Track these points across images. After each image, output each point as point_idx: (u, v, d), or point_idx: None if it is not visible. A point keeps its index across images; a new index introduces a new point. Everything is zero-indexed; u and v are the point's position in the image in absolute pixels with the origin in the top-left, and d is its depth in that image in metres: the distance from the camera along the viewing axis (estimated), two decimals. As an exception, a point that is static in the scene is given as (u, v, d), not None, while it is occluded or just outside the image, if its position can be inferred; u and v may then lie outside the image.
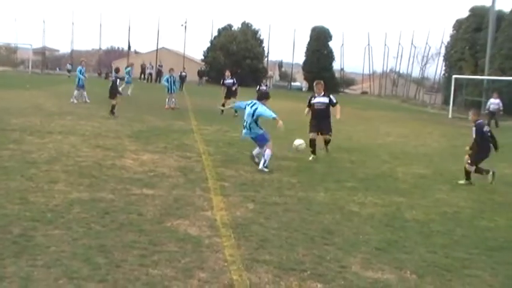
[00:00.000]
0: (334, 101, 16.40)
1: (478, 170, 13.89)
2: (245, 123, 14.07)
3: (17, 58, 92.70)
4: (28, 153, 13.39)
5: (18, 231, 7.54)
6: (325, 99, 16.26)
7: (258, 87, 34.95)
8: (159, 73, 67.84)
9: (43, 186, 10.18)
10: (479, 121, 14.18)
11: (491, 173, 13.90)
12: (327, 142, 16.54)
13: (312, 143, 15.91)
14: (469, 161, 13.86)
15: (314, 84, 16.59)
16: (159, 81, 60.31)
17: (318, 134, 16.11)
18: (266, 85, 37.93)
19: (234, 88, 30.87)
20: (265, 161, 13.58)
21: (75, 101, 29.87)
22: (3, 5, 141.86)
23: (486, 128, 14.01)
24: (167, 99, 30.99)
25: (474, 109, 15.59)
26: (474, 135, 13.94)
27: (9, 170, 11.48)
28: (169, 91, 31.23)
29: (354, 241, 8.31)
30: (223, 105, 29.17)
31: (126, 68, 43.12)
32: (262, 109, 13.90)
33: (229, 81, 30.81)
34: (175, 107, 30.79)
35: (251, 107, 14.03)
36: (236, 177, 12.43)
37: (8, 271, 6.11)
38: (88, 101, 30.23)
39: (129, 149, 15.12)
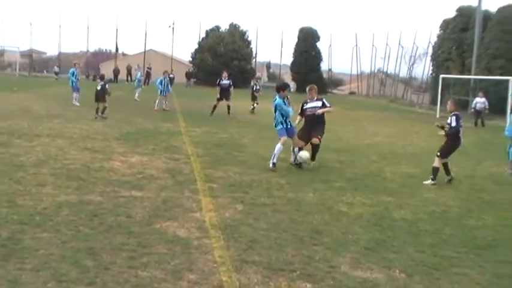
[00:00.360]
0: (328, 104, 15.43)
1: (435, 171, 13.70)
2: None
3: (4, 61, 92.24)
4: (16, 156, 13.35)
5: (6, 234, 7.51)
6: (318, 103, 15.39)
7: (253, 87, 34.99)
8: (148, 75, 67.64)
9: (31, 189, 10.15)
10: (457, 113, 13.96)
11: (450, 177, 13.80)
12: (314, 150, 15.10)
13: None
14: (439, 153, 13.72)
15: (307, 89, 15.73)
16: (148, 84, 60.32)
17: (305, 145, 14.99)
18: (259, 85, 37.73)
19: (230, 90, 30.73)
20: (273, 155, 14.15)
21: (78, 104, 29.92)
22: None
23: (462, 123, 13.94)
24: (157, 101, 30.88)
25: (452, 99, 15.57)
26: (454, 123, 13.67)
27: (-3, 173, 11.45)
28: (162, 93, 31.18)
29: (343, 241, 8.34)
30: (215, 106, 29.20)
31: (137, 74, 43.09)
32: (279, 101, 14.46)
33: (226, 82, 30.48)
34: (167, 109, 30.76)
35: (274, 101, 14.68)
36: (225, 179, 12.43)
37: (-4, 275, 6.10)
38: (78, 104, 30.02)
39: (117, 151, 15.09)
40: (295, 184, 12.38)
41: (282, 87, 14.95)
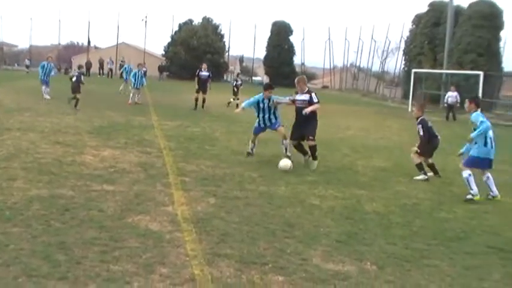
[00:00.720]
0: (315, 100, 14.39)
1: (420, 166, 13.79)
2: None
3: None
4: (-14, 151, 13.21)
5: (-24, 229, 7.45)
6: (306, 97, 14.50)
7: (234, 82, 34.93)
8: (121, 68, 67.23)
9: (1, 184, 10.02)
10: (422, 117, 14.04)
11: (426, 177, 13.67)
12: (312, 150, 14.43)
13: (298, 148, 14.80)
14: (418, 150, 13.74)
15: (295, 81, 15.07)
16: (121, 77, 59.93)
17: (299, 142, 14.68)
18: (241, 80, 37.63)
19: (209, 82, 30.62)
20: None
21: (48, 97, 29.82)
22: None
23: (430, 123, 14.01)
24: (131, 94, 30.70)
25: (418, 104, 15.62)
26: (422, 133, 13.80)
27: (-33, 167, 11.34)
28: (135, 86, 31.00)
29: (315, 234, 8.37)
30: (196, 100, 29.14)
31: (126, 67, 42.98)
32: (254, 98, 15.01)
33: (205, 73, 30.30)
34: (139, 103, 30.62)
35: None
36: (197, 172, 12.41)
37: (-35, 269, 6.04)
38: (48, 97, 29.78)
39: (89, 145, 14.99)
40: (268, 177, 12.40)
41: (264, 87, 15.13)
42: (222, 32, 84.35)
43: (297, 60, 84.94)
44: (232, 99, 33.40)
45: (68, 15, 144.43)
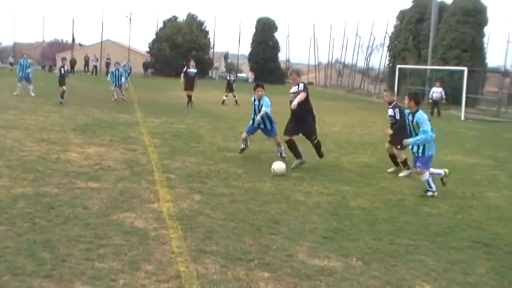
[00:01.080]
0: (302, 88, 13.71)
1: (404, 163, 13.67)
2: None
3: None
4: (-31, 149, 13.14)
5: (-40, 227, 7.41)
6: (296, 89, 13.92)
7: (229, 79, 34.91)
8: (108, 66, 67.05)
9: (-15, 182, 10.00)
10: (395, 102, 13.98)
11: (410, 171, 13.42)
12: (316, 148, 14.13)
13: (291, 146, 13.83)
14: (398, 146, 13.43)
15: (288, 73, 14.94)
16: (107, 74, 59.77)
17: (292, 138, 13.73)
18: (235, 76, 37.56)
19: (196, 78, 30.54)
20: None
21: (17, 92, 29.81)
22: None
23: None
24: (113, 93, 30.57)
25: (389, 90, 15.63)
26: (399, 116, 13.53)
27: (-50, 165, 11.27)
28: (115, 84, 30.80)
29: (300, 230, 8.39)
30: (189, 97, 29.09)
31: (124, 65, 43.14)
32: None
33: (193, 70, 30.24)
34: (125, 100, 30.54)
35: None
36: (182, 169, 12.40)
37: (-51, 268, 6.02)
38: (33, 94, 29.67)
39: (74, 143, 14.93)
40: (253, 174, 12.40)
41: (254, 87, 15.00)
42: (206, 29, 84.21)
43: (282, 56, 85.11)
44: (225, 97, 33.37)
45: (52, 12, 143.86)
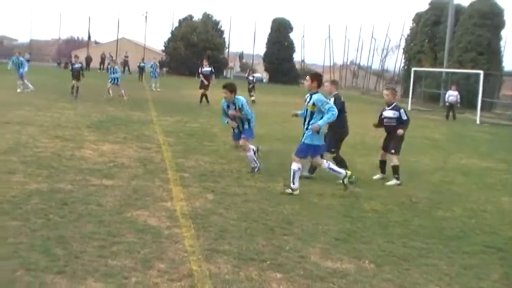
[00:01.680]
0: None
1: (396, 169, 12.81)
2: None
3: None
4: (-15, 144, 13.21)
5: (-25, 222, 7.45)
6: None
7: (249, 78, 34.94)
8: (126, 63, 67.34)
9: (0, 177, 10.04)
10: (396, 103, 13.29)
11: (399, 182, 12.71)
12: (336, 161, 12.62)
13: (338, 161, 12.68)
14: (393, 151, 12.85)
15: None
16: (124, 72, 59.94)
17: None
18: (253, 77, 37.42)
19: (212, 76, 30.51)
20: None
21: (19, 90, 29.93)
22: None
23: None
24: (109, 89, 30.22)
25: (392, 89, 14.45)
26: (405, 117, 12.95)
27: (-35, 160, 11.35)
28: (112, 82, 30.35)
29: (313, 231, 8.37)
30: (204, 96, 29.07)
31: (150, 63, 43.75)
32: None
33: (207, 69, 30.19)
34: (122, 96, 29.90)
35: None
36: (196, 168, 12.40)
37: (-37, 262, 6.05)
38: (19, 90, 29.91)
39: (89, 140, 14.99)
40: (266, 174, 12.38)
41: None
42: (222, 28, 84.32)
43: (296, 57, 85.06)
44: (252, 97, 33.34)
45: (68, 10, 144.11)
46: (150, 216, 8.41)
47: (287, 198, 10.28)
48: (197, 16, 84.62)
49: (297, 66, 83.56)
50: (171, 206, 9.07)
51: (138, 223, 8.01)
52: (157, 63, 46.14)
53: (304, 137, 11.02)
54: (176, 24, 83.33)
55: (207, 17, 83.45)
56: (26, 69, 30.85)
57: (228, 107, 12.74)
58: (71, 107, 23.34)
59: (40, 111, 20.88)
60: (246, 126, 12.82)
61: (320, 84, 11.14)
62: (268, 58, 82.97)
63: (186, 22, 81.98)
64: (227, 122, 13.00)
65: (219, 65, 75.19)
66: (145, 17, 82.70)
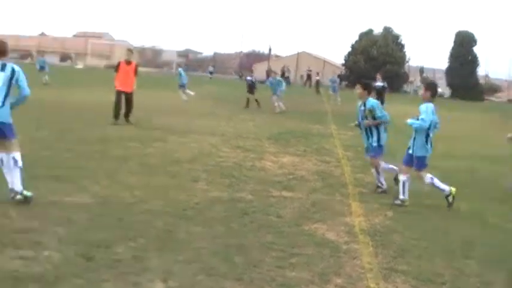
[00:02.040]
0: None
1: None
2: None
3: (161, 60, 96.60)
4: (171, 152, 13.85)
5: (161, 226, 7.82)
6: None
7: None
8: (309, 77, 68.60)
9: (185, 184, 10.49)
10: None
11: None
12: None
13: None
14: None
15: None
16: (310, 86, 60.87)
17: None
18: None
19: (385, 93, 30.35)
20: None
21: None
22: (151, 10, 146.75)
23: None
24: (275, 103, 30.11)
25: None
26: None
27: (154, 167, 11.92)
28: (274, 93, 30.26)
29: (497, 257, 7.98)
30: None
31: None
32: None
33: (379, 84, 30.05)
34: (277, 109, 29.44)
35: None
36: (374, 184, 12.23)
37: (152, 263, 6.37)
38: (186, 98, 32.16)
39: (269, 151, 15.30)
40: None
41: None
42: (402, 42, 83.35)
43: (480, 71, 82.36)
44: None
45: (250, 24, 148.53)
46: (329, 230, 8.42)
47: (469, 220, 9.89)
48: (377, 30, 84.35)
49: (481, 81, 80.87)
50: (350, 221, 9.03)
51: (316, 236, 8.04)
52: (337, 78, 46.25)
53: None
54: (356, 38, 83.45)
55: (387, 31, 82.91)
56: (186, 80, 33.67)
57: (362, 107, 11.65)
58: (249, 118, 24.01)
59: (222, 121, 21.63)
60: (375, 144, 11.70)
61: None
62: (450, 73, 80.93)
63: (367, 36, 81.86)
64: (355, 125, 12.37)
65: (399, 79, 74.37)
66: (324, 32, 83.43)
